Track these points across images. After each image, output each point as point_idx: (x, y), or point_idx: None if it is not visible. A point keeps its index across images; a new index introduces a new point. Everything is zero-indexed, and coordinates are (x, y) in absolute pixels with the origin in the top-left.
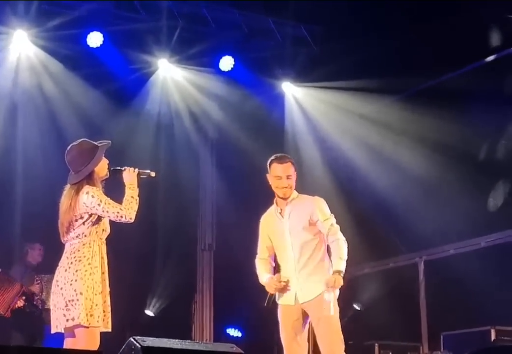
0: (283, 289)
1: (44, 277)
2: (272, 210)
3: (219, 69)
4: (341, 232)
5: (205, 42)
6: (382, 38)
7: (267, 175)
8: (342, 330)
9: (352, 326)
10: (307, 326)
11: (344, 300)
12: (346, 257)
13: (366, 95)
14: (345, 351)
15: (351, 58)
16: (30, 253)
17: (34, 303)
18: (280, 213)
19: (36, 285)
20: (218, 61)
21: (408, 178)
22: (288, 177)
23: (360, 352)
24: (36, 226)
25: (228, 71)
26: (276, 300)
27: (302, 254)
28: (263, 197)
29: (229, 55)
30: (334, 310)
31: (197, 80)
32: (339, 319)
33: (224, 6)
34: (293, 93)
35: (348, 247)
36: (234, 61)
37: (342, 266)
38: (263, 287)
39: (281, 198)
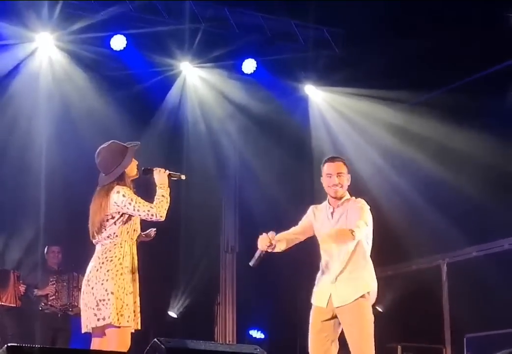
0: (318, 291)
1: (59, 278)
2: (323, 207)
3: (242, 72)
4: None
5: (227, 45)
6: (404, 41)
7: (321, 178)
8: None
9: (375, 328)
10: (338, 331)
11: None
12: (369, 221)
13: (389, 98)
14: None
15: (374, 60)
16: (47, 257)
17: (49, 303)
18: (332, 213)
19: (51, 286)
20: (241, 64)
21: (432, 181)
22: (338, 174)
23: None
24: (57, 229)
25: (251, 73)
26: (311, 300)
27: (344, 259)
28: (286, 199)
29: (251, 58)
30: (367, 318)
31: (220, 83)
32: (372, 327)
33: (247, 9)
34: (316, 95)
35: (371, 249)
36: (257, 64)
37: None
38: (286, 288)
39: (333, 197)
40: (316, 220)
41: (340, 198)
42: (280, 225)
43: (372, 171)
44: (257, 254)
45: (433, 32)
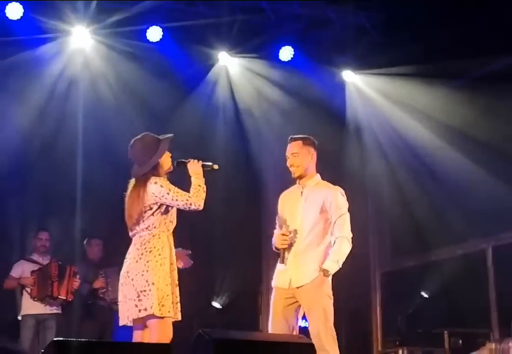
0: (279, 272)
1: (108, 271)
2: (293, 188)
3: (279, 60)
4: (410, 217)
5: (264, 34)
6: (444, 25)
7: None
8: (411, 318)
9: (421, 314)
10: (299, 315)
11: (412, 288)
12: (341, 259)
13: (427, 82)
14: (415, 339)
15: (412, 45)
16: (88, 250)
17: (101, 296)
18: (301, 192)
19: (101, 279)
20: (278, 52)
21: (478, 164)
22: (293, 154)
23: (430, 340)
24: (97, 221)
25: (288, 61)
26: (272, 281)
27: (305, 238)
28: None
29: (288, 45)
30: (326, 300)
31: (258, 71)
32: (332, 311)
33: None
34: (354, 81)
35: (415, 234)
36: (294, 51)
37: (331, 267)
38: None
39: (296, 178)
40: (287, 202)
41: (302, 178)
42: None
43: (413, 152)
44: (281, 253)
45: (474, 16)
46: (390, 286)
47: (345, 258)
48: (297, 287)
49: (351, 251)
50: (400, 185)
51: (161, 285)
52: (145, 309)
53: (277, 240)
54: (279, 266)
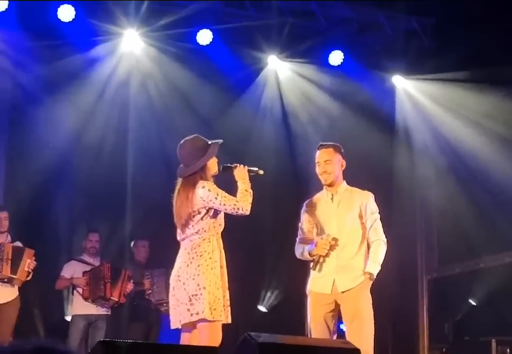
0: (318, 277)
1: (154, 272)
2: (322, 195)
3: (329, 64)
4: (458, 223)
5: (314, 38)
6: (494, 29)
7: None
8: (458, 325)
9: (468, 321)
10: (336, 320)
11: (460, 295)
12: (381, 261)
13: (478, 87)
14: (462, 347)
15: (464, 50)
16: (135, 251)
17: (146, 297)
18: (331, 198)
19: (147, 280)
20: (328, 56)
21: None
22: (326, 162)
23: (477, 348)
24: (144, 223)
25: (338, 65)
26: (308, 287)
27: (346, 244)
28: (369, 190)
29: (338, 49)
30: (370, 304)
31: (307, 75)
32: (373, 317)
33: (333, 2)
34: (404, 86)
35: (463, 241)
36: (344, 55)
37: (374, 269)
38: (373, 283)
39: (325, 185)
40: (317, 210)
41: (332, 185)
42: None
43: (465, 158)
44: (317, 258)
45: None
46: (437, 293)
47: (382, 260)
48: (342, 292)
49: (398, 256)
50: (449, 191)
51: (212, 288)
52: (197, 313)
53: (319, 247)
54: (314, 273)
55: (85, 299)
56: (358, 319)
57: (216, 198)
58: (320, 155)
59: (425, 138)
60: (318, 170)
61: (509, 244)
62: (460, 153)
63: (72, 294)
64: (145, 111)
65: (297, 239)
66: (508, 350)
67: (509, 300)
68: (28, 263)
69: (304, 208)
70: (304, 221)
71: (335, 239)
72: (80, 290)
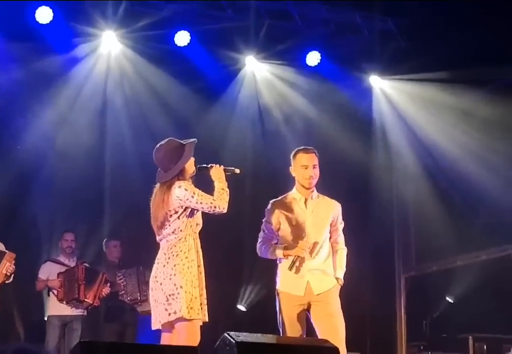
0: (291, 277)
1: (126, 272)
2: (293, 197)
3: (306, 65)
4: (435, 222)
5: (291, 39)
6: (470, 30)
7: (290, 168)
8: (435, 323)
9: (446, 319)
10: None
11: (437, 293)
12: (344, 268)
13: (454, 87)
14: (439, 344)
15: (439, 50)
16: (107, 251)
17: (120, 299)
18: (304, 202)
19: (119, 281)
20: (305, 57)
21: (500, 171)
22: (314, 166)
23: (454, 345)
24: (122, 224)
25: (315, 66)
26: (278, 287)
27: (319, 249)
28: (347, 191)
29: (315, 50)
30: (339, 308)
31: (284, 76)
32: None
33: (310, 2)
34: (381, 86)
35: (439, 239)
36: (321, 56)
37: (342, 275)
38: (351, 283)
39: (306, 188)
40: (287, 211)
41: (309, 188)
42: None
43: (443, 157)
44: (294, 259)
45: (501, 20)
46: (414, 291)
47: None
48: (317, 294)
49: (375, 255)
50: (426, 191)
51: (189, 287)
52: (175, 312)
53: (299, 248)
54: (286, 273)
55: (60, 300)
56: (331, 318)
57: (192, 197)
58: (309, 159)
59: (401, 138)
60: (304, 173)
61: (484, 243)
62: (435, 153)
63: (48, 295)
64: (122, 113)
65: (261, 236)
66: (485, 347)
67: (485, 297)
68: (7, 266)
69: (271, 206)
70: (273, 220)
71: (315, 243)
72: (55, 291)
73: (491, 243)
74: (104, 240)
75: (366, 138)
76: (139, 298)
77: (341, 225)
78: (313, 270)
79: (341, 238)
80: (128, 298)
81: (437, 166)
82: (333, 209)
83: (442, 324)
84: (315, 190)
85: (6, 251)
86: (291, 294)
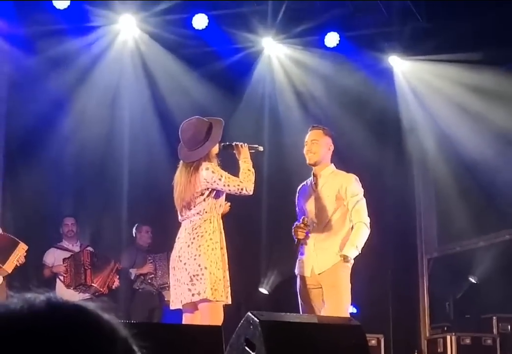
0: (301, 260)
1: (156, 256)
2: (308, 181)
3: (325, 46)
4: (458, 203)
5: (310, 20)
6: (491, 9)
7: None
8: (459, 304)
9: (469, 299)
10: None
11: (460, 274)
12: (360, 244)
13: (475, 66)
14: (463, 324)
15: (459, 30)
16: (138, 236)
17: (149, 281)
18: (315, 183)
19: (150, 264)
20: (323, 38)
21: None
22: (312, 141)
23: (478, 325)
24: (143, 208)
25: (334, 47)
26: (295, 270)
27: (325, 226)
28: (370, 172)
29: (334, 31)
30: (346, 286)
31: (302, 57)
32: (350, 297)
33: None
34: (400, 66)
35: (462, 220)
36: (340, 37)
37: (350, 252)
38: (373, 265)
39: (309, 165)
40: (302, 196)
41: (316, 165)
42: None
43: (466, 137)
44: (297, 243)
45: None
46: (437, 272)
47: (363, 243)
48: (319, 274)
49: (398, 236)
50: (449, 171)
51: (213, 269)
52: (199, 293)
53: (294, 232)
54: (300, 256)
55: (67, 286)
56: (334, 299)
57: (220, 179)
58: (309, 135)
59: (420, 118)
60: (304, 149)
61: (507, 222)
62: (455, 136)
63: (55, 281)
64: (140, 96)
65: None
66: (509, 327)
67: (509, 278)
68: (19, 257)
69: (296, 195)
70: (296, 208)
71: (310, 223)
72: (61, 277)
73: None
74: (136, 225)
75: (384, 118)
76: (168, 282)
77: (353, 198)
78: (319, 249)
79: (356, 212)
80: (158, 282)
81: (457, 148)
82: (339, 182)
83: (465, 305)
84: (328, 167)
85: (20, 241)
86: (301, 275)
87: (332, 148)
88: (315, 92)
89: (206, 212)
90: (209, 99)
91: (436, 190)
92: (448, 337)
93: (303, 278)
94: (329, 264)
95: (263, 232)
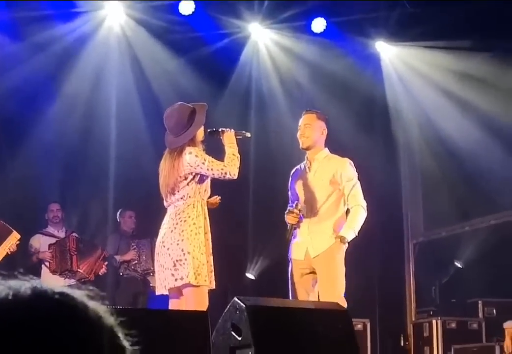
0: (295, 243)
1: (139, 242)
2: (302, 165)
3: (311, 32)
4: (444, 188)
5: (297, 6)
6: None
7: None
8: (445, 288)
9: (455, 284)
10: (317, 285)
11: (446, 258)
12: (357, 226)
13: (461, 52)
14: (448, 309)
15: (446, 16)
16: (122, 222)
17: (133, 268)
18: (308, 167)
19: (133, 251)
20: (310, 24)
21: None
22: (305, 125)
23: (464, 309)
24: (129, 194)
25: (320, 33)
26: (289, 254)
27: (319, 210)
28: (356, 156)
29: (321, 16)
30: (341, 268)
31: (289, 43)
32: (344, 280)
33: None
34: (387, 52)
35: (448, 205)
36: (326, 22)
37: (347, 233)
38: (360, 249)
39: (304, 149)
40: (296, 180)
41: (309, 149)
42: None
43: (451, 123)
44: (289, 228)
45: None
46: (423, 256)
47: (360, 226)
48: (314, 257)
49: (384, 221)
50: (434, 155)
51: (197, 254)
52: (182, 278)
53: (287, 217)
54: (294, 239)
55: (53, 272)
56: (329, 281)
57: (203, 163)
58: (302, 120)
59: (408, 104)
60: (298, 133)
61: (494, 207)
62: (442, 120)
63: (41, 267)
64: (127, 81)
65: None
66: (494, 311)
67: (494, 262)
68: (10, 245)
69: (289, 180)
70: (289, 193)
71: (303, 207)
72: (47, 263)
73: (500, 208)
74: (119, 210)
75: (370, 104)
76: (152, 268)
77: (349, 182)
78: (313, 233)
79: (352, 196)
80: (142, 268)
81: (443, 134)
82: (334, 167)
83: (451, 289)
84: (322, 151)
85: (13, 230)
86: (294, 259)
87: (325, 132)
88: (301, 78)
89: (189, 196)
90: (196, 84)
91: (422, 175)
92: (434, 321)
93: (296, 262)
94: (324, 247)
95: (249, 218)
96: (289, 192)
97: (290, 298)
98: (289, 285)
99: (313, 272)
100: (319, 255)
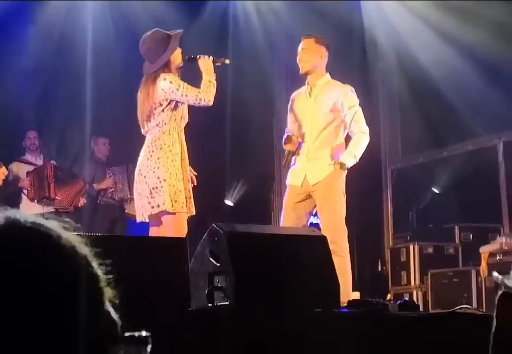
0: (293, 170)
1: (115, 169)
2: (302, 89)
3: None
4: (421, 113)
5: None
6: None
7: None
8: (422, 213)
9: (432, 209)
10: (309, 212)
11: (423, 184)
12: (359, 153)
13: None
14: (425, 234)
15: None
16: (96, 149)
17: (110, 195)
18: (309, 92)
19: (109, 179)
20: None
21: (493, 61)
22: (303, 50)
23: (441, 234)
24: (104, 121)
25: None
26: (286, 180)
27: (318, 137)
28: None
29: None
30: (340, 195)
31: None
32: (345, 206)
33: None
34: None
35: (425, 131)
36: None
37: (347, 160)
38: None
39: (303, 74)
40: (296, 105)
41: (308, 74)
42: None
43: (430, 53)
44: (286, 154)
45: None
46: (401, 182)
47: (362, 152)
48: (313, 185)
49: None
50: (411, 81)
51: (173, 181)
52: (158, 206)
53: (284, 144)
54: (293, 166)
55: (31, 200)
56: (329, 209)
57: (177, 89)
58: (300, 45)
59: (387, 33)
60: (297, 58)
61: (471, 132)
62: (416, 47)
63: (20, 195)
64: (103, 9)
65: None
66: (471, 236)
67: (471, 188)
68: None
69: (290, 100)
70: (288, 117)
71: (302, 133)
72: (25, 191)
73: (477, 135)
74: (93, 137)
75: (349, 32)
76: (128, 195)
77: (351, 109)
78: (312, 159)
79: (355, 123)
80: (119, 196)
81: (420, 62)
82: (335, 94)
83: (428, 214)
84: (324, 76)
85: (2, 165)
86: (291, 184)
87: (325, 56)
88: (277, 5)
89: (165, 123)
90: (172, 11)
91: (400, 103)
92: (411, 246)
93: (292, 188)
94: (323, 174)
95: (227, 144)
96: (288, 115)
97: (280, 223)
98: (267, 212)
99: (308, 199)
100: (319, 183)
